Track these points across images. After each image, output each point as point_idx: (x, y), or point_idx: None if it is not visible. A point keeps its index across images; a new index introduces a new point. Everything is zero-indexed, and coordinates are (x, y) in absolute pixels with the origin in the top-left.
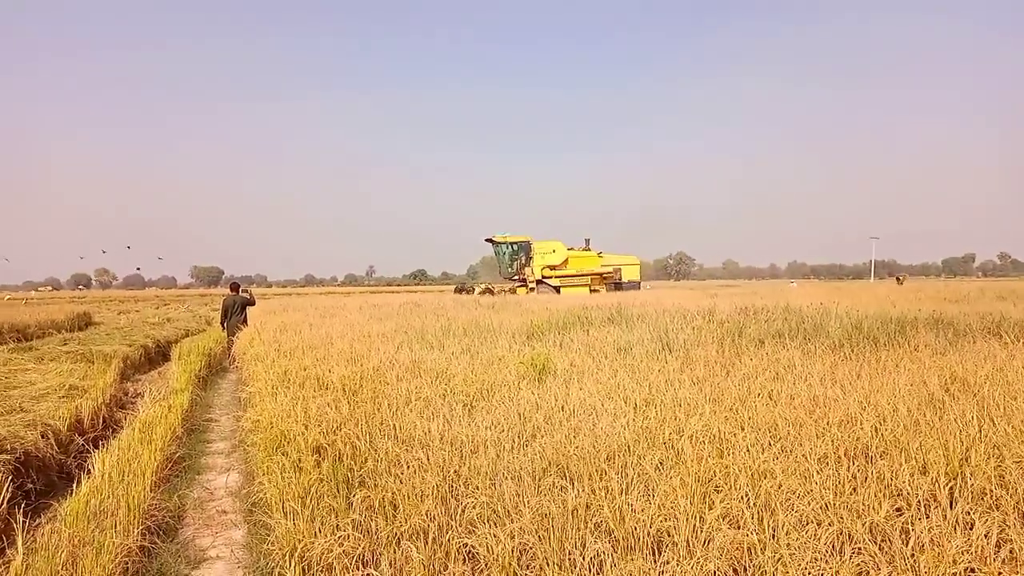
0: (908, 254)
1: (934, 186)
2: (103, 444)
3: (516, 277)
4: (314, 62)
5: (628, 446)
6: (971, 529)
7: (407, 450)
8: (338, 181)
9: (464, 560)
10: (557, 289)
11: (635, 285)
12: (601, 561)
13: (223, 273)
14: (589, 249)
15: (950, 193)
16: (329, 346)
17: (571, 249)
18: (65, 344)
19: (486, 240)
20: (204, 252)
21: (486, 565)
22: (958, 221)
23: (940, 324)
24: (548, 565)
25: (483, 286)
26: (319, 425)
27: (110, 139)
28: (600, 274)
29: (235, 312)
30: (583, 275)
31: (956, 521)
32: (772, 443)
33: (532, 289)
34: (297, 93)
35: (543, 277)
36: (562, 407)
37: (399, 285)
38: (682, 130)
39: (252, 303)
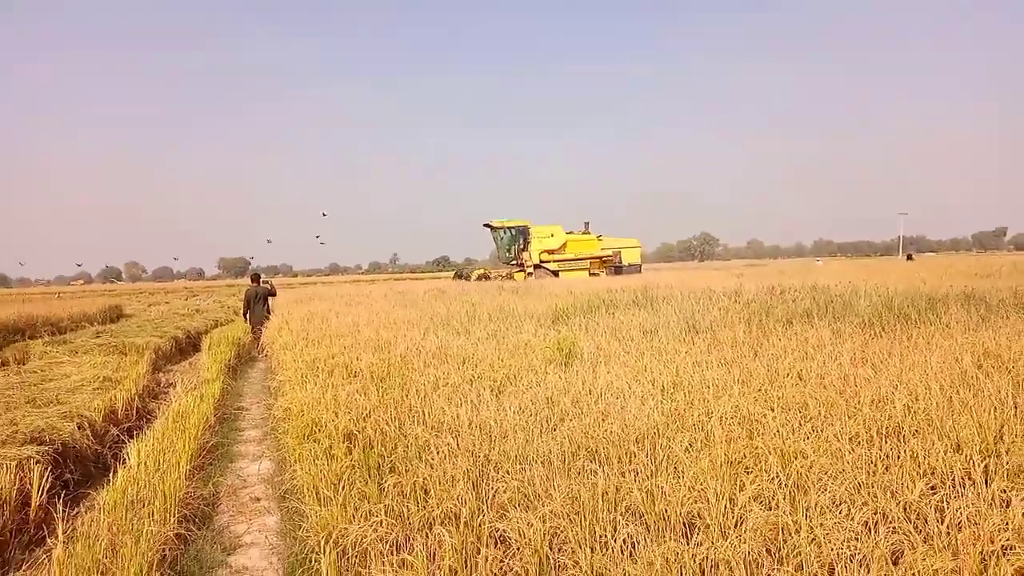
0: (938, 230)
1: (964, 160)
2: (138, 434)
3: (515, 262)
4: (309, 54)
5: (657, 429)
6: (1008, 507)
7: (436, 436)
8: (361, 174)
9: (496, 544)
10: (556, 273)
11: (636, 268)
12: (633, 543)
13: (250, 263)
14: (588, 232)
15: (980, 167)
16: (356, 334)
17: (570, 233)
18: (98, 336)
19: (484, 226)
20: (230, 245)
21: (518, 549)
22: (989, 195)
23: (972, 300)
24: (580, 548)
25: (479, 271)
26: (349, 412)
27: (123, 138)
28: (599, 257)
29: (258, 302)
30: (582, 259)
31: (992, 499)
32: (802, 423)
33: (530, 274)
34: (297, 83)
35: (541, 261)
36: (589, 391)
37: (423, 272)
38: (703, 107)
39: (273, 293)
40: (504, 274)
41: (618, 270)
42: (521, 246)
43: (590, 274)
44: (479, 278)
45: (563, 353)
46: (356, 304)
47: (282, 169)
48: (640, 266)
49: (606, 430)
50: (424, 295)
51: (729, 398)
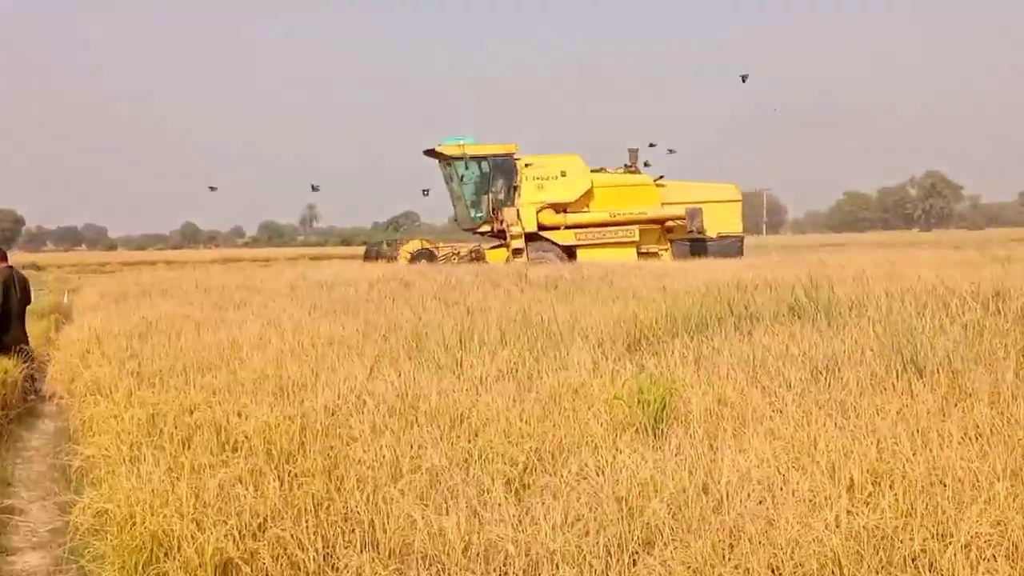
0: None
1: None
2: None
3: (485, 228)
4: None
5: (839, 562)
6: None
7: (399, 571)
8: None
9: None
10: (571, 253)
11: (734, 243)
12: None
13: (23, 225)
14: (636, 169)
15: None
16: (238, 364)
17: (599, 171)
18: None
19: (428, 154)
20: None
21: None
22: None
23: None
24: None
25: (415, 244)
26: (225, 521)
27: None
28: (658, 220)
29: (17, 304)
30: (623, 223)
31: None
32: None
33: (517, 252)
34: None
35: (542, 227)
36: (703, 486)
37: (362, 243)
38: None
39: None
40: (465, 252)
41: (698, 246)
42: (501, 195)
43: (640, 253)
44: (415, 257)
45: (649, 409)
46: (238, 306)
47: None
48: (741, 239)
49: (738, 565)
50: (373, 289)
51: (987, 505)
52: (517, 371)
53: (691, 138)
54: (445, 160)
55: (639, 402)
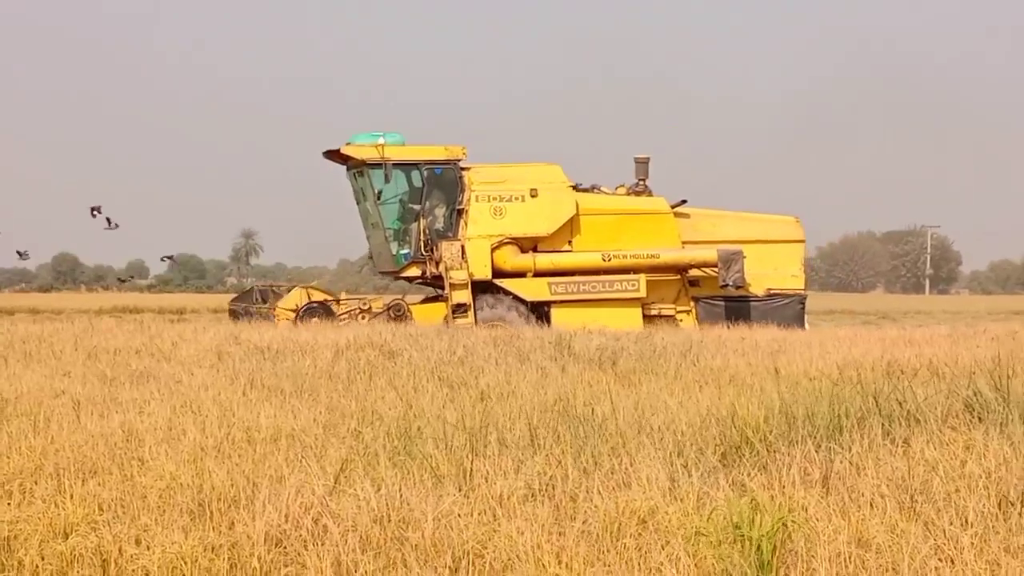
0: None
1: None
2: None
3: (418, 269)
4: None
5: None
6: None
7: None
8: None
9: None
10: (541, 311)
11: (791, 306)
12: None
13: None
14: (646, 190)
15: None
16: (136, 466)
17: (590, 191)
18: None
19: (328, 156)
20: None
21: None
22: None
23: None
24: None
25: (299, 296)
26: None
27: None
28: (676, 265)
29: None
30: (622, 269)
31: None
32: None
33: (459, 309)
34: None
35: (499, 272)
36: None
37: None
38: None
39: None
40: (379, 307)
41: (737, 307)
42: (438, 222)
43: (647, 316)
44: (301, 315)
45: (753, 552)
46: (138, 379)
47: None
48: (803, 299)
49: None
50: (340, 359)
51: None
52: (555, 488)
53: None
54: (355, 166)
55: (737, 541)
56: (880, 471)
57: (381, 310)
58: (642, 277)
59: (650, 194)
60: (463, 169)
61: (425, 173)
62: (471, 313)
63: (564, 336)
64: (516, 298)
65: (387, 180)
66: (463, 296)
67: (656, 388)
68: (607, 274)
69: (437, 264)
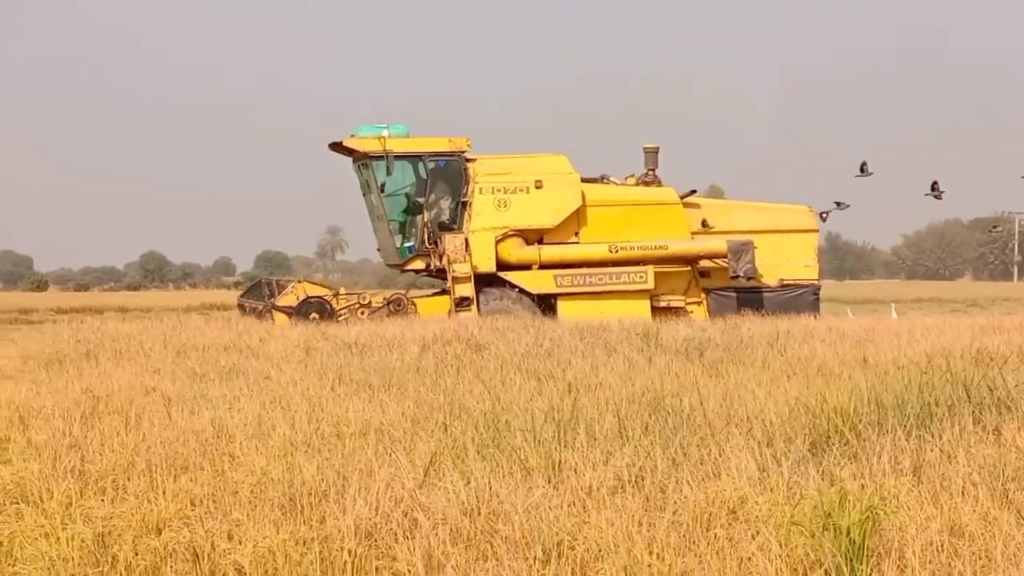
0: None
1: None
2: None
3: (422, 263)
4: None
5: None
6: None
7: None
8: None
9: None
10: (546, 303)
11: (805, 296)
12: None
13: None
14: (656, 180)
15: None
16: (227, 461)
17: (598, 181)
18: None
19: (333, 148)
20: None
21: None
22: None
23: None
24: None
25: (297, 292)
26: None
27: None
28: (686, 256)
29: None
30: (630, 261)
31: None
32: None
33: (463, 302)
34: None
35: (503, 264)
36: None
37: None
38: None
39: None
40: (379, 302)
41: (749, 298)
42: (444, 215)
43: (656, 308)
44: (298, 312)
45: (844, 541)
46: (227, 376)
47: None
48: (816, 289)
49: None
50: (427, 353)
51: None
52: (644, 479)
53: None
54: (359, 158)
55: (828, 529)
56: (971, 459)
57: (381, 304)
58: (650, 269)
59: (660, 184)
60: (468, 161)
61: (429, 165)
62: (475, 306)
63: (651, 328)
64: (522, 291)
65: (389, 172)
66: (466, 289)
67: (744, 378)
68: (614, 266)
69: (441, 257)
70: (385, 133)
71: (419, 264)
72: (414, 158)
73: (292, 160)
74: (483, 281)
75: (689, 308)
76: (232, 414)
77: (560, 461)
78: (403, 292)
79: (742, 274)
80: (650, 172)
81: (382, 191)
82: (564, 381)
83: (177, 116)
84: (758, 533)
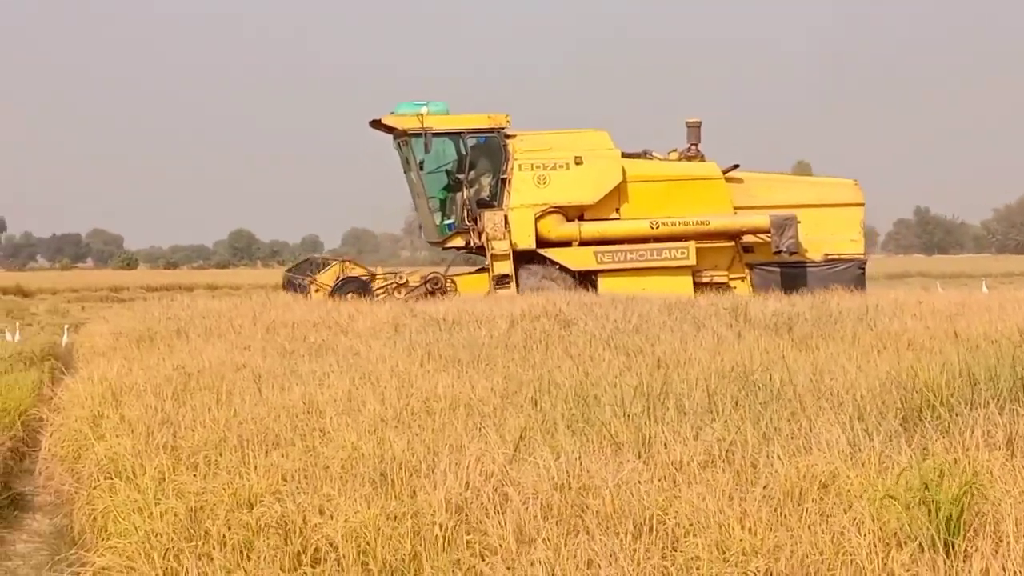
0: None
1: None
2: None
3: (462, 240)
4: None
5: None
6: None
7: None
8: None
9: None
10: (586, 279)
11: (850, 271)
12: None
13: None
14: (698, 155)
15: None
16: (318, 437)
17: (637, 157)
18: None
19: (374, 126)
20: None
21: None
22: None
23: None
24: None
25: (335, 271)
26: None
27: None
28: (727, 232)
29: None
30: (671, 237)
31: None
32: None
33: (502, 280)
34: None
35: (543, 241)
36: None
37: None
38: None
39: None
40: (416, 281)
41: (793, 274)
42: (484, 192)
43: (698, 284)
44: (337, 291)
45: (939, 515)
46: (317, 352)
47: None
48: (862, 264)
49: None
50: (515, 329)
51: None
52: (734, 454)
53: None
54: (399, 136)
55: (922, 504)
56: None
57: (418, 284)
58: (691, 244)
59: (702, 159)
60: (507, 137)
61: (468, 142)
62: (514, 283)
63: (740, 302)
64: (562, 268)
65: (428, 150)
66: (505, 267)
67: (834, 353)
68: (655, 242)
69: (480, 234)
70: (424, 110)
71: (459, 241)
72: (453, 135)
73: (381, 138)
74: (523, 258)
75: (732, 284)
76: (322, 390)
77: (650, 436)
78: (440, 271)
79: (785, 249)
80: (692, 147)
81: (421, 168)
82: (653, 356)
83: (266, 93)
84: (850, 507)
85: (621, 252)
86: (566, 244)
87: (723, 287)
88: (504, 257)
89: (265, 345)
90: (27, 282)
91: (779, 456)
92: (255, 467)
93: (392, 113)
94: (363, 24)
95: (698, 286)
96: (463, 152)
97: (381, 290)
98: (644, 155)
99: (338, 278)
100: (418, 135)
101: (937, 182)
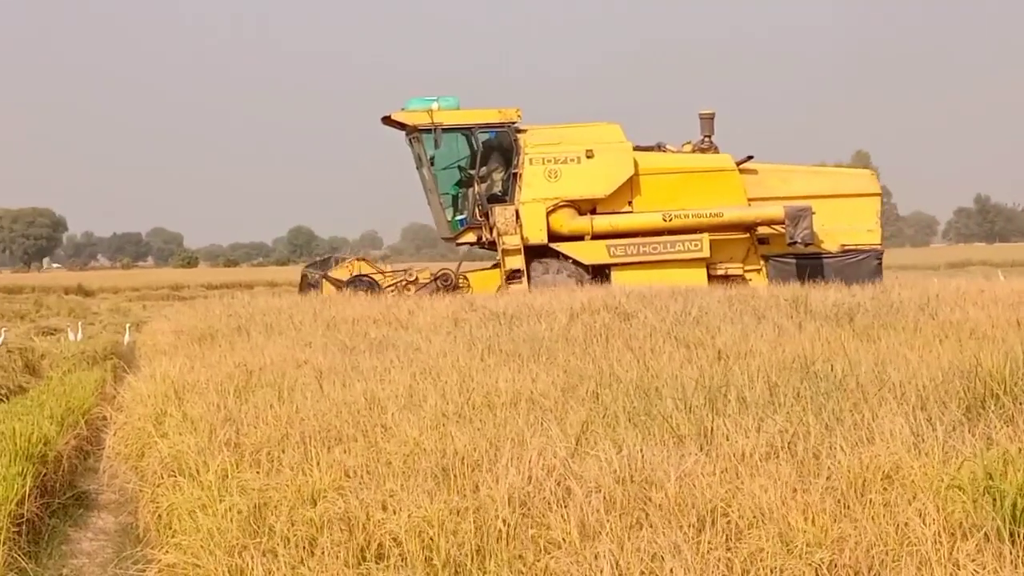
0: None
1: None
2: None
3: (474, 235)
4: None
5: None
6: None
7: None
8: None
9: None
10: (601, 272)
11: (867, 262)
12: None
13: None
14: (712, 147)
15: None
16: (380, 432)
17: (650, 150)
18: None
19: (385, 122)
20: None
21: None
22: None
23: None
24: None
25: (346, 270)
26: None
27: None
28: (741, 224)
29: None
30: (683, 229)
31: None
32: None
33: (513, 275)
34: None
35: (555, 235)
36: None
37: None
38: None
39: None
40: (426, 277)
41: (809, 265)
42: (496, 187)
43: (713, 277)
44: (346, 287)
45: (1005, 505)
46: (377, 348)
47: None
48: (879, 254)
49: None
50: (575, 322)
51: None
52: (796, 445)
53: None
54: (411, 132)
55: (987, 493)
56: None
57: (428, 281)
58: (705, 237)
59: (716, 151)
60: (518, 132)
61: (479, 137)
62: (525, 278)
63: (800, 294)
64: (575, 262)
65: (437, 145)
66: (516, 262)
67: (895, 343)
68: (668, 234)
69: (491, 230)
70: (435, 106)
71: (471, 237)
72: (464, 130)
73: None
74: (535, 253)
75: (748, 276)
76: (383, 386)
77: (712, 428)
78: (451, 268)
79: (799, 240)
80: (706, 139)
81: (432, 164)
82: (714, 348)
83: (323, 92)
84: (914, 498)
85: (634, 245)
86: (578, 238)
87: (738, 279)
88: (515, 252)
89: (326, 341)
90: (89, 281)
91: (842, 447)
92: (317, 463)
93: (403, 109)
94: (423, 30)
95: (713, 279)
96: (474, 147)
97: (391, 287)
98: (658, 148)
99: (346, 277)
100: (428, 131)
101: (998, 170)
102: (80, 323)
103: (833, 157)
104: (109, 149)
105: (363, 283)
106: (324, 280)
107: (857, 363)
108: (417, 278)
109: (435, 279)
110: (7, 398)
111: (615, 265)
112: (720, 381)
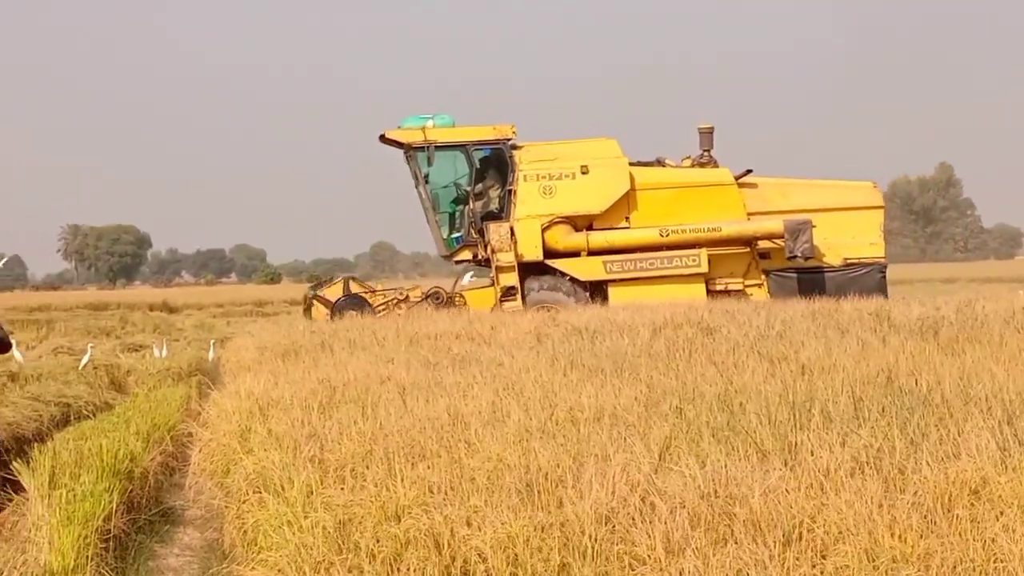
0: None
1: None
2: None
3: (470, 253)
4: None
5: None
6: None
7: None
8: None
9: None
10: (596, 291)
11: (871, 276)
12: None
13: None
14: (711, 161)
15: None
16: (464, 448)
17: (652, 164)
18: None
19: (383, 141)
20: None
21: None
22: None
23: None
24: None
25: (337, 289)
26: None
27: None
28: (739, 238)
29: None
30: (681, 245)
31: None
32: None
33: (508, 292)
34: None
35: (551, 252)
36: None
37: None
38: None
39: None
40: (417, 296)
41: (811, 279)
42: (492, 204)
43: (712, 292)
44: (338, 309)
45: None
46: (460, 363)
47: None
48: (883, 267)
49: None
50: (658, 337)
51: None
52: (881, 461)
53: None
54: (406, 150)
55: None
56: None
57: (419, 299)
58: (703, 252)
59: (715, 165)
60: (513, 148)
61: (473, 154)
62: (520, 296)
63: (884, 308)
64: (572, 279)
65: (431, 163)
66: (511, 279)
67: (981, 356)
68: (666, 250)
69: (486, 247)
70: (429, 123)
71: (467, 255)
72: (458, 147)
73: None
74: (532, 270)
75: (749, 291)
76: (466, 401)
77: (796, 443)
78: (441, 286)
79: (799, 254)
80: (705, 153)
81: (427, 182)
82: (797, 363)
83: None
84: (1002, 514)
85: (631, 261)
86: (575, 255)
87: (739, 294)
88: (509, 269)
89: (409, 357)
90: (173, 298)
91: (927, 462)
92: (401, 479)
93: (398, 127)
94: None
95: (713, 294)
96: (469, 164)
97: (382, 306)
98: (658, 162)
99: (336, 297)
100: (422, 149)
101: None
102: (165, 339)
103: (902, 169)
104: (192, 165)
105: (352, 302)
106: (315, 300)
107: (942, 377)
108: (408, 296)
109: (426, 297)
110: (94, 415)
111: (612, 281)
112: (804, 396)
